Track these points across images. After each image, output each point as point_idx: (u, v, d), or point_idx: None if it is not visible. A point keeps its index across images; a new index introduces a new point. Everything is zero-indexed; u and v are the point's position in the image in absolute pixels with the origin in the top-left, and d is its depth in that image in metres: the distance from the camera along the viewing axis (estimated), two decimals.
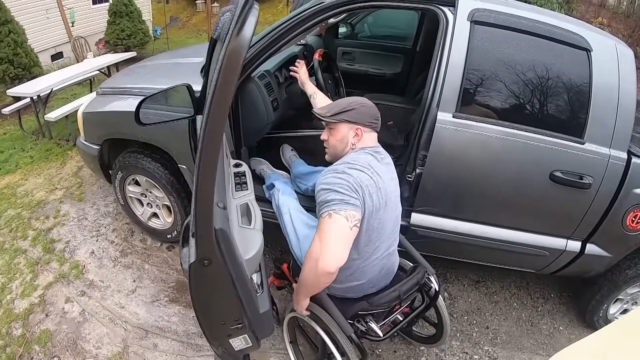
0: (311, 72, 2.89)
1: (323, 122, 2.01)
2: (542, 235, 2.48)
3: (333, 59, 3.07)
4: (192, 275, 1.34)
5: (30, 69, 7.22)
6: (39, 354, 2.59)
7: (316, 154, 2.48)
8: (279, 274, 2.44)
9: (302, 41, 3.69)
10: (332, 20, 2.77)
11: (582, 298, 2.96)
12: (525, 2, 2.55)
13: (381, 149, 1.97)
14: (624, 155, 2.24)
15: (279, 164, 3.00)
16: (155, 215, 3.31)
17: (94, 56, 7.66)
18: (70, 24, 9.04)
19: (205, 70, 2.13)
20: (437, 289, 2.06)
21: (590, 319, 2.90)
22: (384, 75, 4.45)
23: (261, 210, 2.07)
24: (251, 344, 1.69)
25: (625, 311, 2.85)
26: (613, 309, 2.85)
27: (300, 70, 2.75)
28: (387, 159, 1.97)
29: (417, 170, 2.34)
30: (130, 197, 3.25)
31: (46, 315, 2.85)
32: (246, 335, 1.64)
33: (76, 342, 2.66)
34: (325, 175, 1.76)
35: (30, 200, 4.11)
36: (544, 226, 2.46)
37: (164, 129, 2.39)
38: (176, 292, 3.00)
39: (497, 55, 2.27)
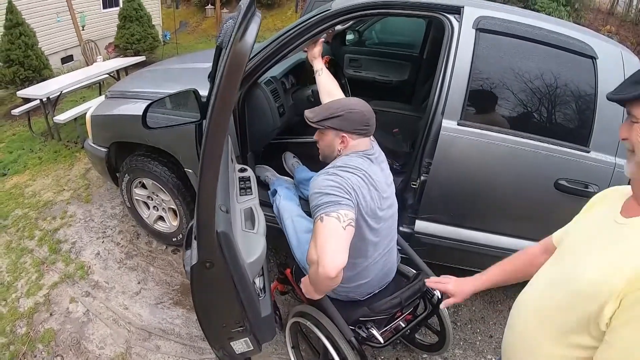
0: (313, 81, 2.91)
1: None
2: None
3: (340, 65, 3.08)
4: (194, 278, 1.35)
5: (40, 72, 7.30)
6: (42, 353, 2.61)
7: (321, 160, 2.49)
8: (283, 279, 2.45)
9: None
10: (339, 27, 2.78)
11: None
12: (536, 11, 2.56)
13: (374, 149, 1.94)
14: None
15: (284, 170, 3.03)
16: (161, 218, 3.33)
17: (104, 60, 7.72)
18: (81, 28, 9.13)
19: (212, 76, 2.15)
20: (440, 297, 2.06)
21: None
22: (391, 83, 4.45)
23: (266, 215, 2.10)
24: (252, 348, 1.69)
25: None
26: None
27: (316, 47, 2.58)
28: (381, 156, 1.96)
29: (422, 178, 2.35)
30: (136, 199, 3.27)
31: (50, 314, 2.87)
32: (247, 339, 1.64)
33: (79, 341, 2.67)
34: (316, 179, 1.73)
35: (38, 200, 4.15)
36: (548, 235, 2.44)
37: (170, 133, 2.42)
38: (180, 295, 3.01)
39: (502, 63, 2.28)
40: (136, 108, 2.73)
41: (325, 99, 2.30)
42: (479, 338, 2.84)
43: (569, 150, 2.24)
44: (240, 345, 1.67)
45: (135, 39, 9.74)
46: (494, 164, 2.30)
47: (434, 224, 2.50)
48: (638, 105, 0.99)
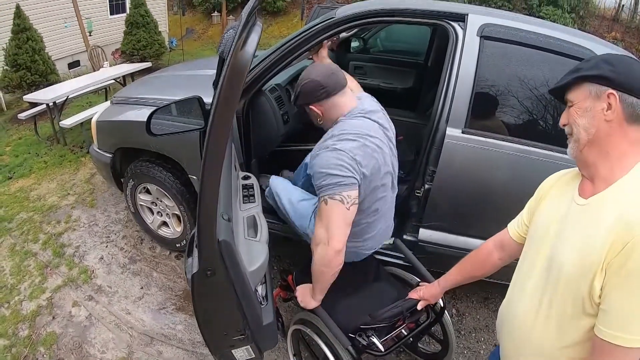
0: None
1: None
2: None
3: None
4: (195, 286, 1.35)
5: (47, 76, 7.37)
6: (44, 356, 2.62)
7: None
8: (285, 285, 2.45)
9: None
10: (343, 34, 2.79)
11: None
12: (541, 18, 2.56)
13: (366, 103, 1.99)
14: None
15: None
16: (165, 223, 3.33)
17: (110, 65, 7.79)
18: (88, 34, 9.20)
19: (216, 83, 2.17)
20: (443, 305, 2.05)
21: None
22: (395, 90, 4.44)
23: (269, 222, 2.10)
24: (254, 356, 1.69)
25: None
26: None
27: (322, 49, 2.59)
28: (375, 109, 2.01)
29: (426, 186, 2.34)
30: (140, 205, 3.28)
31: (53, 317, 2.88)
32: (249, 347, 1.64)
33: (81, 345, 2.68)
34: (317, 155, 1.79)
35: (43, 204, 4.17)
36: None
37: (175, 140, 2.44)
38: (183, 301, 3.01)
39: (507, 71, 2.27)
40: (141, 114, 2.74)
41: None
42: (483, 347, 2.82)
43: None
44: (241, 353, 1.66)
45: (142, 45, 9.81)
46: (499, 172, 2.29)
47: (438, 232, 2.49)
48: (571, 90, 1.16)
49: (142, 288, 3.12)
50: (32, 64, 7.12)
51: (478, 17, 2.28)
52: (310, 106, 1.93)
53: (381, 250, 2.51)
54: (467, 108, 2.22)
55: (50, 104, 5.31)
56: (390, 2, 2.46)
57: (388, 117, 2.09)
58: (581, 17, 14.58)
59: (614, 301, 0.99)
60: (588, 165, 1.15)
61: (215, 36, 15.23)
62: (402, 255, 2.34)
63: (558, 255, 1.14)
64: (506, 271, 1.96)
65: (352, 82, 2.38)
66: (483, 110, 2.30)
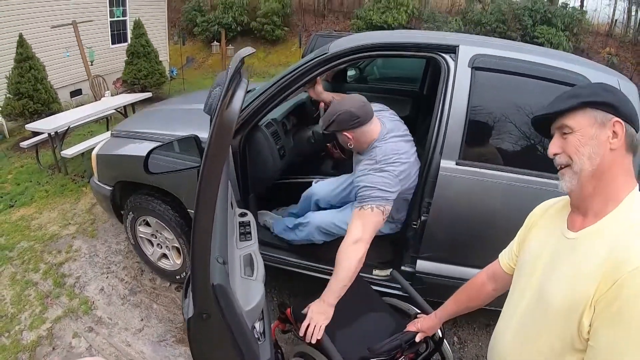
0: (317, 120, 2.95)
1: None
2: None
3: None
4: (191, 329, 1.36)
5: (49, 105, 7.43)
6: None
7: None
8: (284, 318, 2.45)
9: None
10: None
11: None
12: (534, 38, 2.58)
13: (387, 122, 2.32)
14: None
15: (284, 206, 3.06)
16: (164, 256, 3.34)
17: (112, 95, 7.88)
18: (90, 63, 9.30)
19: (208, 111, 2.21)
20: (441, 335, 2.05)
21: None
22: None
23: (267, 255, 2.12)
24: None
25: None
26: None
27: (317, 85, 2.75)
28: (396, 125, 2.36)
29: (422, 218, 2.35)
30: (140, 237, 3.30)
31: (53, 348, 2.87)
32: None
33: None
34: (365, 174, 2.15)
35: (44, 233, 4.19)
36: None
37: (173, 175, 2.46)
38: (183, 333, 2.99)
39: (500, 101, 2.31)
40: (140, 148, 2.78)
41: None
42: None
43: None
44: None
45: (143, 74, 9.90)
46: (495, 203, 2.31)
47: (436, 264, 2.50)
48: (572, 116, 1.11)
49: (142, 320, 3.11)
50: (34, 92, 7.19)
51: (469, 48, 2.32)
52: (344, 133, 2.25)
53: (378, 281, 2.52)
54: (461, 139, 2.25)
55: (52, 133, 5.36)
56: (382, 36, 2.52)
57: (401, 120, 2.45)
58: (575, 35, 14.73)
59: (602, 338, 0.98)
60: (584, 198, 1.11)
61: (215, 65, 15.41)
62: (398, 286, 2.34)
63: (547, 289, 1.13)
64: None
65: None
66: (477, 140, 2.33)
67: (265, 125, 2.75)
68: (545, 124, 1.21)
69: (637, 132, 1.08)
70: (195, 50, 17.17)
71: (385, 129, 2.28)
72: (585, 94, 1.11)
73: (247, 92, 3.04)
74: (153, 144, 2.45)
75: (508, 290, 1.41)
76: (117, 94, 8.86)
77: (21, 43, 7.13)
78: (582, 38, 15.24)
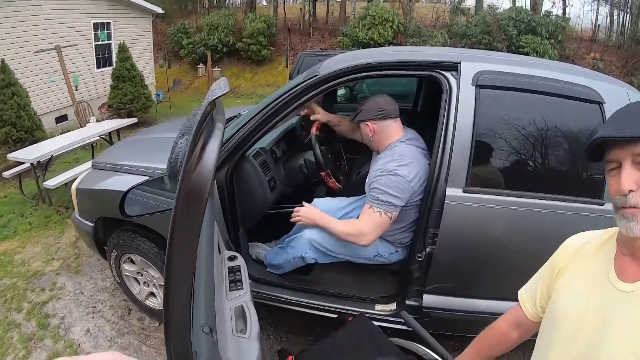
0: (309, 146, 2.80)
1: None
2: None
3: (332, 130, 2.96)
4: None
5: (32, 132, 7.24)
6: None
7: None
8: None
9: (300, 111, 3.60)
10: None
11: None
12: (520, 48, 2.47)
13: (410, 133, 2.40)
14: None
15: (277, 237, 2.90)
16: (152, 294, 3.13)
17: (97, 120, 7.72)
18: (74, 88, 9.16)
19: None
20: None
21: None
22: None
23: (262, 293, 1.95)
24: None
25: None
26: None
27: (316, 109, 2.85)
28: (417, 137, 2.42)
29: (427, 249, 2.18)
30: (126, 275, 3.09)
31: None
32: None
33: None
34: (380, 174, 2.19)
35: (27, 270, 3.99)
36: None
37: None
38: None
39: (508, 121, 2.12)
40: (121, 182, 2.58)
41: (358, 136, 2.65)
42: None
43: (583, 205, 2.09)
44: None
45: (128, 99, 9.79)
46: (507, 230, 2.14)
47: (444, 297, 2.31)
48: None
49: None
50: (17, 119, 7.00)
51: (472, 65, 2.15)
52: (367, 122, 2.34)
53: (382, 317, 2.36)
54: (467, 165, 2.07)
55: (34, 162, 5.18)
56: (375, 54, 2.36)
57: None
58: (560, 42, 14.92)
59: None
60: None
61: (201, 87, 15.42)
62: (405, 325, 2.16)
63: (602, 353, 0.93)
64: None
65: None
66: (485, 165, 2.17)
67: (253, 156, 2.58)
68: (599, 148, 0.96)
69: None
70: (181, 73, 17.16)
71: (408, 135, 2.36)
72: None
73: (233, 118, 2.91)
74: (134, 177, 2.29)
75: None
76: (103, 120, 8.71)
77: (3, 69, 6.98)
78: (567, 45, 15.44)
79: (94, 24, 10.89)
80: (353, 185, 3.12)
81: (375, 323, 2.23)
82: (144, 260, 2.85)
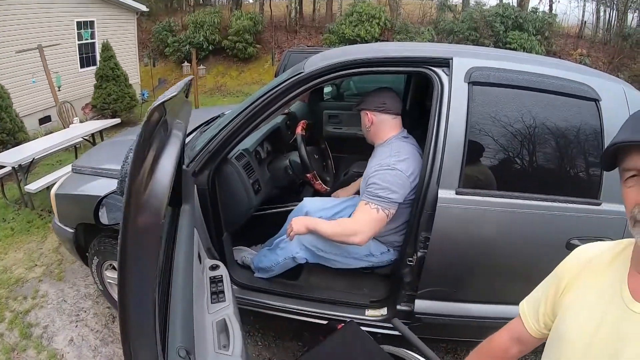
0: (294, 147, 2.72)
1: None
2: None
3: (318, 129, 2.88)
4: None
5: (14, 135, 7.07)
6: None
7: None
8: None
9: (285, 110, 3.52)
10: None
11: None
12: (507, 44, 2.41)
13: (405, 132, 2.40)
14: None
15: (263, 240, 2.83)
16: None
17: (81, 121, 7.57)
18: (57, 88, 8.99)
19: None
20: None
21: None
22: None
23: (248, 300, 1.88)
24: None
25: None
26: None
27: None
28: (418, 147, 2.36)
29: (419, 253, 2.10)
30: (109, 282, 3.00)
31: None
32: None
33: None
34: (378, 169, 2.16)
35: (9, 277, 3.87)
36: None
37: None
38: None
39: (502, 119, 2.03)
40: (101, 187, 2.49)
41: None
42: None
43: (579, 206, 2.02)
44: None
45: (112, 98, 9.65)
46: (502, 233, 2.07)
47: (436, 302, 2.24)
48: None
49: None
50: None
51: (464, 60, 2.06)
52: (367, 112, 2.35)
53: (372, 323, 2.30)
54: (460, 166, 1.99)
55: (16, 166, 5.06)
56: (363, 50, 2.27)
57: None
58: (547, 38, 15.04)
59: None
60: None
61: None
62: (396, 331, 2.10)
63: None
64: None
65: None
66: (479, 165, 2.10)
67: (236, 157, 2.49)
68: (615, 155, 0.88)
69: None
70: (167, 72, 17.00)
71: (405, 133, 2.38)
72: None
73: (216, 118, 2.82)
74: (116, 182, 2.20)
75: None
76: (87, 120, 8.55)
77: None
78: (554, 41, 15.55)
79: (77, 22, 10.74)
80: (340, 186, 3.06)
81: (366, 329, 2.16)
82: None
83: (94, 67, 10.32)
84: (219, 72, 16.82)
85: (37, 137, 6.88)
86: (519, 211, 2.02)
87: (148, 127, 0.80)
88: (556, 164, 2.11)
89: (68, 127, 7.23)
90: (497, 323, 2.21)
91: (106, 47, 9.57)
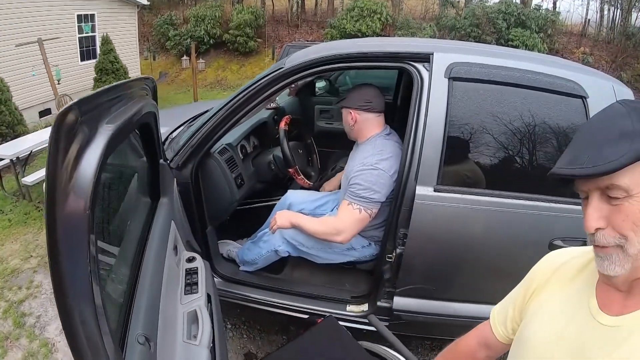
0: (277, 142, 2.74)
1: None
2: None
3: (307, 124, 2.89)
4: None
5: (14, 127, 7.14)
6: None
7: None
8: None
9: (273, 104, 3.51)
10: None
11: None
12: (509, 41, 2.39)
13: (389, 128, 2.39)
14: None
15: (249, 234, 2.84)
16: None
17: None
18: (57, 82, 9.01)
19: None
20: None
21: None
22: None
23: (233, 293, 1.94)
24: None
25: None
26: None
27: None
28: (394, 133, 2.40)
29: (398, 250, 2.09)
30: None
31: None
32: None
33: None
34: (361, 168, 2.15)
35: (5, 268, 3.91)
36: None
37: None
38: None
39: (482, 116, 2.00)
40: None
41: None
42: None
43: (563, 205, 1.98)
44: None
45: None
46: (480, 231, 2.05)
47: (415, 299, 2.24)
48: (627, 173, 0.72)
49: None
50: None
51: (444, 56, 2.02)
52: (350, 110, 2.30)
53: (353, 319, 2.32)
54: (439, 162, 1.97)
55: (14, 158, 5.11)
56: (344, 45, 2.27)
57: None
58: (549, 36, 14.94)
59: None
60: (633, 280, 0.80)
61: (188, 79, 15.31)
62: (374, 329, 2.12)
63: None
64: None
65: None
66: (457, 162, 2.07)
67: (219, 152, 2.50)
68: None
69: None
70: (167, 65, 16.99)
71: (388, 130, 2.35)
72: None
73: (204, 113, 2.83)
74: None
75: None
76: None
77: None
78: (557, 39, 15.46)
79: (77, 15, 10.75)
80: (327, 180, 3.08)
81: (348, 324, 2.19)
82: None
83: (94, 61, 10.33)
84: (220, 66, 16.79)
85: (37, 130, 6.91)
86: (499, 210, 2.00)
87: (70, 123, 0.83)
88: (540, 161, 2.07)
89: None
90: (476, 322, 2.24)
91: (106, 41, 9.59)
